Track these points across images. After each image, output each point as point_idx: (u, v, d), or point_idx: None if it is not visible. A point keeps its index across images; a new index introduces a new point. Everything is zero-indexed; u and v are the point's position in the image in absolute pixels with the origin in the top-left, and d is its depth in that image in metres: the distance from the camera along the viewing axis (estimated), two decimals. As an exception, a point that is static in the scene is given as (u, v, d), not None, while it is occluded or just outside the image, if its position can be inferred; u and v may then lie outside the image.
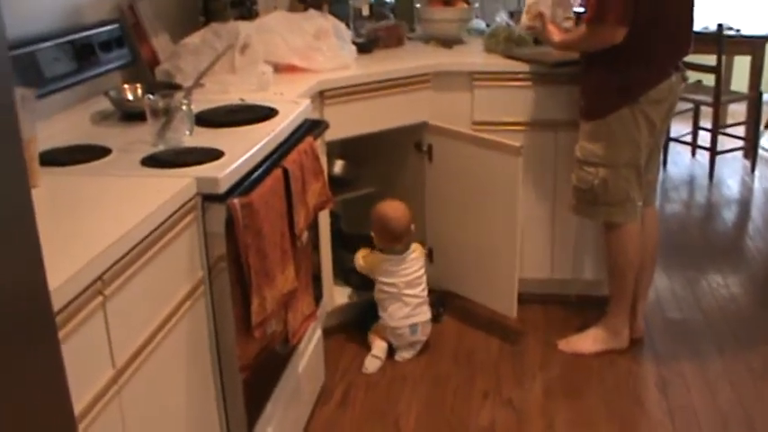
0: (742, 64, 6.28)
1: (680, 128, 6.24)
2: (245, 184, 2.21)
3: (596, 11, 3.06)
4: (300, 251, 2.59)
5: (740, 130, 6.26)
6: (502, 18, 4.01)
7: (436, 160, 3.72)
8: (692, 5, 3.24)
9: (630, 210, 3.34)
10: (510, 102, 3.65)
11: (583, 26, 3.16)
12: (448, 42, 4.04)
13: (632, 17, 3.03)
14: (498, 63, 3.70)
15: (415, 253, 3.56)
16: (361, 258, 3.58)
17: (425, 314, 3.54)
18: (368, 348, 3.57)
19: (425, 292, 3.57)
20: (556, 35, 3.36)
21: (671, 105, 3.32)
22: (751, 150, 6.17)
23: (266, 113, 2.67)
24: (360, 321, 3.74)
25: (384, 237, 3.52)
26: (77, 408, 1.50)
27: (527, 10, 3.48)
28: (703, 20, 5.41)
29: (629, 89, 3.18)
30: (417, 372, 3.47)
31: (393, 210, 3.52)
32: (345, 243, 3.83)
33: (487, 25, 4.20)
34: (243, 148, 2.29)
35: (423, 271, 3.57)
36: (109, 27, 2.93)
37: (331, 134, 3.19)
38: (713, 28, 5.52)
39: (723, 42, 5.46)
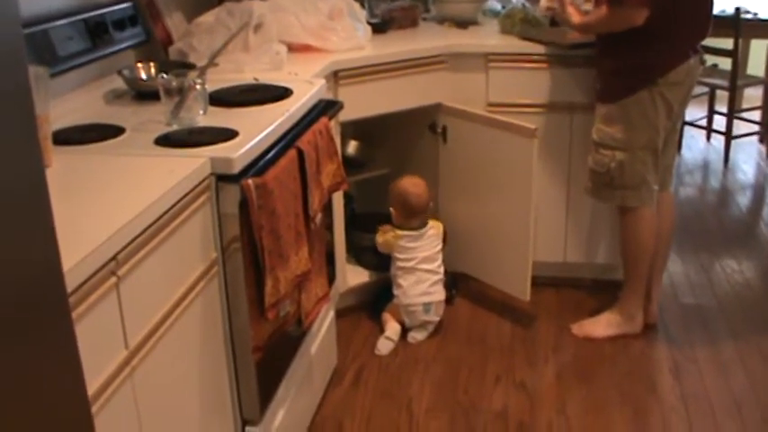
0: (759, 48, 6.23)
1: (695, 112, 6.19)
2: (260, 165, 2.20)
3: None
4: (314, 232, 2.58)
5: (756, 115, 6.21)
6: (517, -1, 3.98)
7: (450, 142, 3.70)
8: (712, -13, 3.22)
9: (646, 194, 3.32)
10: (525, 83, 3.62)
11: (603, 7, 3.12)
12: (463, 23, 4.01)
13: (653, -1, 3.00)
14: (514, 44, 3.67)
15: (433, 230, 3.57)
16: (379, 236, 3.57)
17: (440, 294, 3.54)
18: (381, 330, 3.57)
19: (441, 269, 3.56)
20: (575, 17, 3.32)
21: (689, 88, 3.28)
22: (767, 135, 6.12)
23: (281, 93, 2.66)
24: (373, 302, 3.74)
25: (402, 212, 3.52)
26: (91, 389, 1.49)
27: None
28: (721, 3, 5.35)
29: (648, 71, 3.15)
30: (430, 354, 3.47)
31: (413, 185, 3.53)
32: (358, 223, 3.82)
33: (503, 6, 4.17)
34: (257, 128, 2.28)
35: (440, 248, 3.57)
36: (123, 5, 2.92)
37: (345, 115, 3.17)
38: (731, 11, 5.47)
39: (740, 26, 5.41)
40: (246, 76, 2.92)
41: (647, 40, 3.09)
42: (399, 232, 3.52)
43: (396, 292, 3.54)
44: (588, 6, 3.37)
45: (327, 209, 2.91)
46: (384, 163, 4.00)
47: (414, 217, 3.52)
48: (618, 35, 3.13)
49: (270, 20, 3.20)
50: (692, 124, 6.26)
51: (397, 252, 3.52)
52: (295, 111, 2.54)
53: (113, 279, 1.63)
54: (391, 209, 3.56)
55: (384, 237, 3.55)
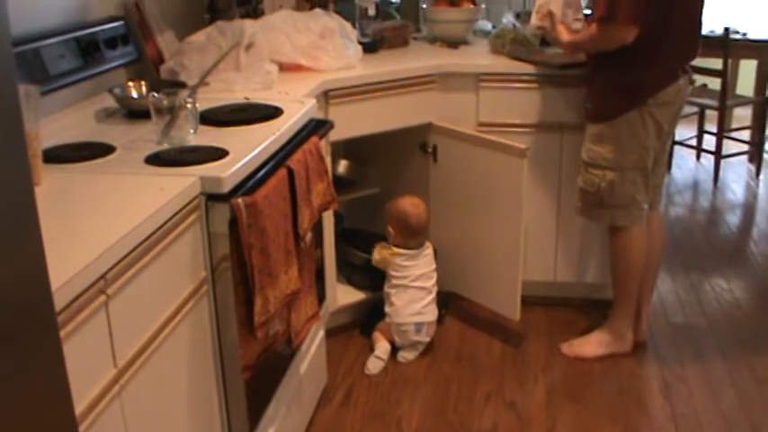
0: (748, 68, 6.27)
1: (685, 131, 6.22)
2: (250, 184, 2.20)
3: (607, 9, 3.03)
4: (304, 252, 2.58)
5: (745, 135, 6.24)
6: (508, 19, 3.99)
7: (441, 161, 3.71)
8: (701, 8, 3.23)
9: (636, 213, 3.32)
10: (515, 103, 3.63)
11: (593, 26, 3.14)
12: (454, 43, 4.03)
13: (644, 17, 3.01)
14: (504, 64, 3.69)
15: (428, 249, 3.58)
16: (376, 252, 3.57)
17: (432, 314, 3.54)
18: (370, 349, 3.56)
19: (435, 288, 3.57)
20: (565, 35, 3.34)
21: (678, 108, 3.30)
22: (756, 155, 6.15)
23: (271, 113, 2.66)
24: (363, 322, 3.74)
25: (403, 232, 3.53)
26: (78, 408, 1.49)
27: (537, 9, 3.46)
28: (710, 23, 5.38)
29: (638, 91, 3.17)
30: (420, 373, 3.46)
31: (413, 206, 3.54)
32: (349, 238, 3.83)
33: (493, 26, 4.19)
34: (247, 148, 2.28)
35: (434, 267, 3.58)
36: (114, 24, 2.93)
37: (335, 134, 3.17)
38: (720, 31, 5.50)
39: (729, 46, 5.45)
40: (237, 96, 2.92)
41: (636, 61, 3.11)
42: (397, 250, 3.52)
43: (388, 310, 3.54)
44: (578, 25, 3.38)
45: (317, 228, 2.91)
46: (374, 182, 4.01)
47: (413, 237, 3.53)
48: (608, 55, 3.15)
49: (261, 39, 3.21)
50: (681, 144, 6.28)
51: (393, 270, 3.52)
52: (285, 130, 2.54)
53: (102, 298, 1.62)
54: (390, 228, 3.56)
55: (381, 254, 3.55)
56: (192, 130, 2.41)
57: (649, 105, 3.17)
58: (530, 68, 3.60)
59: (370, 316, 3.70)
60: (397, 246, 3.54)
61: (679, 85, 3.21)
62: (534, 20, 3.50)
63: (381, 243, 3.60)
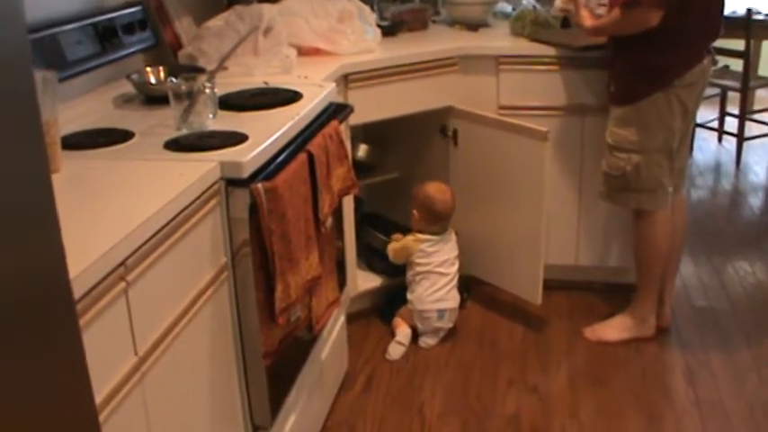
0: (771, 49, 6.21)
1: (706, 114, 6.16)
2: (270, 169, 2.19)
3: None
4: (324, 237, 2.57)
5: (768, 116, 6.19)
6: (528, 1, 3.96)
7: (461, 145, 3.69)
8: (724, -13, 3.20)
9: (661, 197, 3.29)
10: (536, 86, 3.60)
11: (616, 10, 3.10)
12: (473, 25, 3.99)
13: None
14: (524, 46, 3.65)
15: (452, 235, 3.58)
16: (394, 243, 3.56)
17: (455, 300, 3.53)
18: (391, 334, 3.55)
19: (457, 275, 3.55)
20: (588, 20, 3.30)
21: (702, 89, 3.26)
22: (779, 136, 6.09)
23: (290, 97, 2.65)
24: (384, 307, 3.73)
25: (427, 217, 3.52)
26: (99, 396, 1.48)
27: None
28: (732, 4, 5.32)
29: (664, 73, 3.13)
30: (441, 358, 3.45)
31: (440, 192, 3.53)
32: (369, 223, 3.83)
33: (513, 8, 4.15)
34: (267, 132, 2.27)
35: (457, 253, 3.57)
36: (132, 9, 2.92)
37: (355, 118, 3.15)
38: (742, 12, 5.44)
39: (752, 27, 5.39)
40: (256, 80, 2.91)
41: (662, 42, 3.06)
42: (420, 236, 3.51)
43: (410, 297, 3.53)
44: (602, 11, 3.34)
45: (337, 213, 2.89)
46: (394, 166, 3.99)
47: (437, 223, 3.52)
48: (631, 37, 3.11)
49: (279, 23, 3.20)
50: (703, 126, 6.23)
51: (416, 257, 3.50)
52: (305, 114, 2.53)
53: (122, 284, 1.62)
54: (414, 212, 3.54)
55: (402, 241, 3.54)
56: (210, 115, 2.40)
57: (675, 87, 3.13)
58: (550, 50, 3.57)
59: (390, 301, 3.69)
60: (420, 231, 3.52)
61: (703, 65, 3.18)
62: (558, 2, 3.48)
63: (396, 235, 3.60)
